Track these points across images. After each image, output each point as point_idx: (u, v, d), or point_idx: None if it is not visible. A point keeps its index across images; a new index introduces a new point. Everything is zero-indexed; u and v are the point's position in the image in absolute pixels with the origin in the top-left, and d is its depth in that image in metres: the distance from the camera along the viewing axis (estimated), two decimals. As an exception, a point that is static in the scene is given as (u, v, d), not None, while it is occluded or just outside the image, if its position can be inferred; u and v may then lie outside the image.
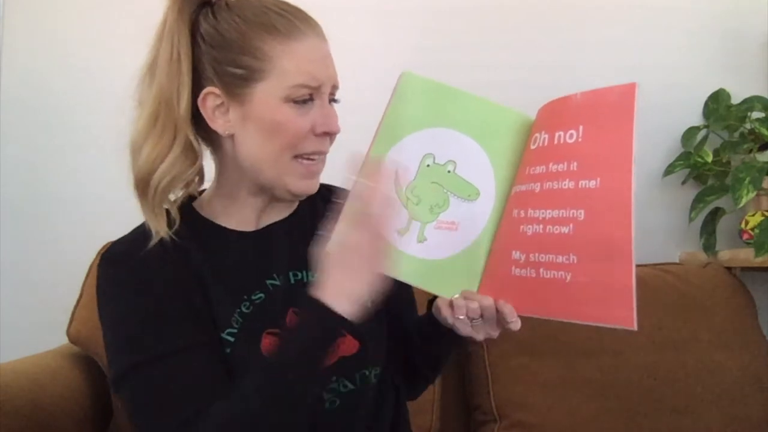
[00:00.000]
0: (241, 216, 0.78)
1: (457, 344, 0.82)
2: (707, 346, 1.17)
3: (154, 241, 0.71)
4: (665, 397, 1.13)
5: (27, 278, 1.46)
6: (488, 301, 0.68)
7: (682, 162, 1.39)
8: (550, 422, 1.12)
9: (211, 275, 0.73)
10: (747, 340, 1.20)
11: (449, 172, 0.73)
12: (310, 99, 0.71)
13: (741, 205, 1.20)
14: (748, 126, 1.36)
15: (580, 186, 0.64)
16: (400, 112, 0.74)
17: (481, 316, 0.69)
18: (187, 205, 0.78)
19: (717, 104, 1.42)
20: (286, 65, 0.69)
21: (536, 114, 0.73)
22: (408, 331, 0.86)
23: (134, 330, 0.68)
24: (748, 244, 1.29)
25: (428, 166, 0.73)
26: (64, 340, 1.17)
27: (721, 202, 1.32)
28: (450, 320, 0.71)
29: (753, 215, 1.31)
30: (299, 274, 0.77)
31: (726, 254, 1.31)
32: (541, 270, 0.65)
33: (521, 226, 0.68)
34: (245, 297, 0.74)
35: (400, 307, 0.86)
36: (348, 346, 0.73)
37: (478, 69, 1.36)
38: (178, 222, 0.73)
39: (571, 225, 0.64)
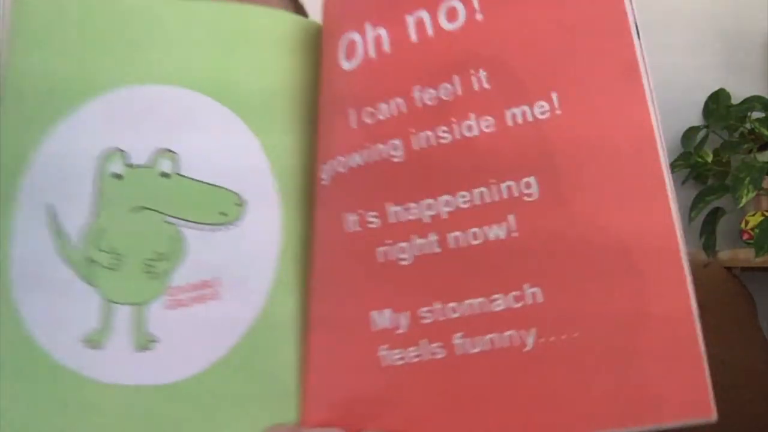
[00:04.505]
0: None
1: None
2: (707, 346, 1.17)
3: None
4: (665, 396, 1.13)
5: (28, 278, 1.46)
6: None
7: (682, 162, 1.39)
8: (550, 422, 1.11)
9: None
10: (747, 340, 1.20)
11: (164, 176, 0.33)
12: None
13: (741, 205, 1.20)
14: (748, 126, 1.36)
15: (509, 122, 0.29)
16: (30, 75, 0.33)
17: None
18: None
19: (717, 104, 1.41)
20: None
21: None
22: None
23: None
24: (748, 244, 1.29)
25: (117, 176, 0.33)
26: (64, 340, 1.17)
27: (721, 202, 1.32)
28: None
29: (753, 215, 1.31)
30: None
31: (726, 254, 1.31)
32: (456, 340, 0.29)
33: (378, 250, 0.30)
34: None
35: None
36: None
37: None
38: None
39: (511, 218, 0.29)
